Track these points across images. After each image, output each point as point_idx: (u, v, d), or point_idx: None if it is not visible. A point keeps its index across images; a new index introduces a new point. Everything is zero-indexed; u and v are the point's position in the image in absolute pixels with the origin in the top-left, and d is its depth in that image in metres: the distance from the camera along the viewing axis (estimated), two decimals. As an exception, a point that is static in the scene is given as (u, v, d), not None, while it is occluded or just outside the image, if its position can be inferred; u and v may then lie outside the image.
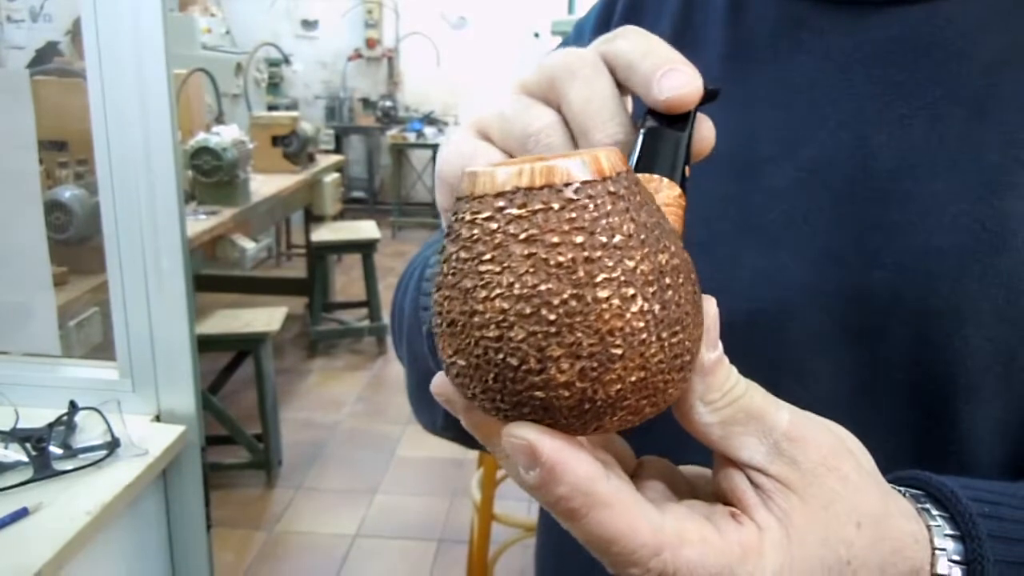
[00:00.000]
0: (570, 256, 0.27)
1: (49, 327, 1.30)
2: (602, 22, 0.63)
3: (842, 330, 0.50)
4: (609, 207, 0.28)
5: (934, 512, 0.37)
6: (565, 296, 0.27)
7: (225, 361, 3.28)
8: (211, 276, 3.92)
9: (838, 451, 0.33)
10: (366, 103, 6.66)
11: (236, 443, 3.01)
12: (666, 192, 0.33)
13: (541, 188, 0.28)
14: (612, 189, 0.28)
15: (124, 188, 1.17)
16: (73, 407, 1.18)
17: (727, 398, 0.32)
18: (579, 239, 0.27)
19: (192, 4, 5.08)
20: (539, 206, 0.27)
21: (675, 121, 0.34)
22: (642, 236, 0.28)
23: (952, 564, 0.35)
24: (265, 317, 3.06)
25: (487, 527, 2.19)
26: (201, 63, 3.63)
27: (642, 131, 0.34)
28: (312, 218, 4.32)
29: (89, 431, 1.17)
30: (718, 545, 0.31)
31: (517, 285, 0.27)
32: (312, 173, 3.98)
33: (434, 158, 6.41)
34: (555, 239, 0.27)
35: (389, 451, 3.30)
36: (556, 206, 0.28)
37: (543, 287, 0.27)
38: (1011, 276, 0.46)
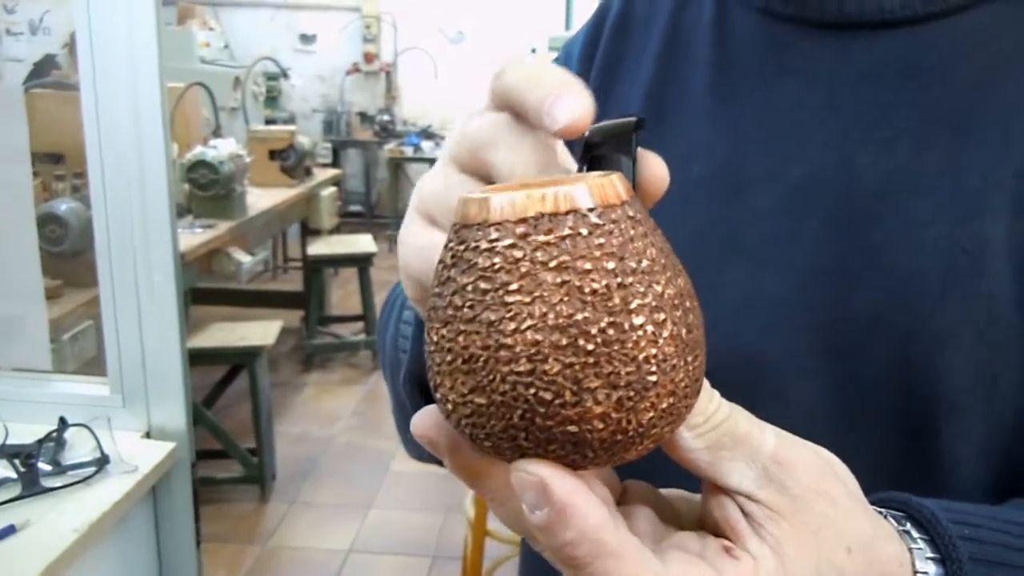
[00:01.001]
0: (604, 283, 0.26)
1: (40, 342, 1.29)
2: (590, 43, 0.64)
3: (824, 350, 0.50)
4: (632, 232, 0.28)
5: (915, 534, 0.37)
6: (603, 324, 0.26)
7: (220, 374, 3.27)
8: (207, 289, 3.92)
9: (826, 475, 0.33)
10: (364, 117, 6.68)
11: (230, 457, 3.00)
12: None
13: (566, 214, 0.27)
14: (631, 213, 0.28)
15: (117, 202, 1.17)
16: (63, 423, 1.17)
17: (711, 422, 0.32)
18: (611, 265, 0.27)
19: (191, 18, 5.10)
20: (567, 232, 0.26)
21: (617, 147, 0.34)
22: (663, 260, 0.28)
23: None
24: (260, 330, 3.05)
25: (481, 543, 2.18)
26: (199, 77, 3.63)
27: (585, 164, 0.34)
28: (308, 232, 4.32)
29: (79, 447, 1.17)
30: None
31: (551, 315, 0.26)
32: (309, 187, 3.99)
33: (431, 172, 6.46)
34: (587, 265, 0.26)
35: (384, 466, 3.28)
36: (584, 231, 0.27)
37: (579, 316, 0.26)
38: (991, 299, 0.47)
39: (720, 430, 0.32)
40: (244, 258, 2.98)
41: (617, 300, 0.26)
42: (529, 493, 0.28)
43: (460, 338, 0.27)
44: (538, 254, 0.26)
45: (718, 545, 0.32)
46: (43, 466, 1.11)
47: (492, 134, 0.34)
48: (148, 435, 1.23)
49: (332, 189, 4.27)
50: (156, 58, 1.13)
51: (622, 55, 0.62)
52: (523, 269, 0.26)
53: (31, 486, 1.08)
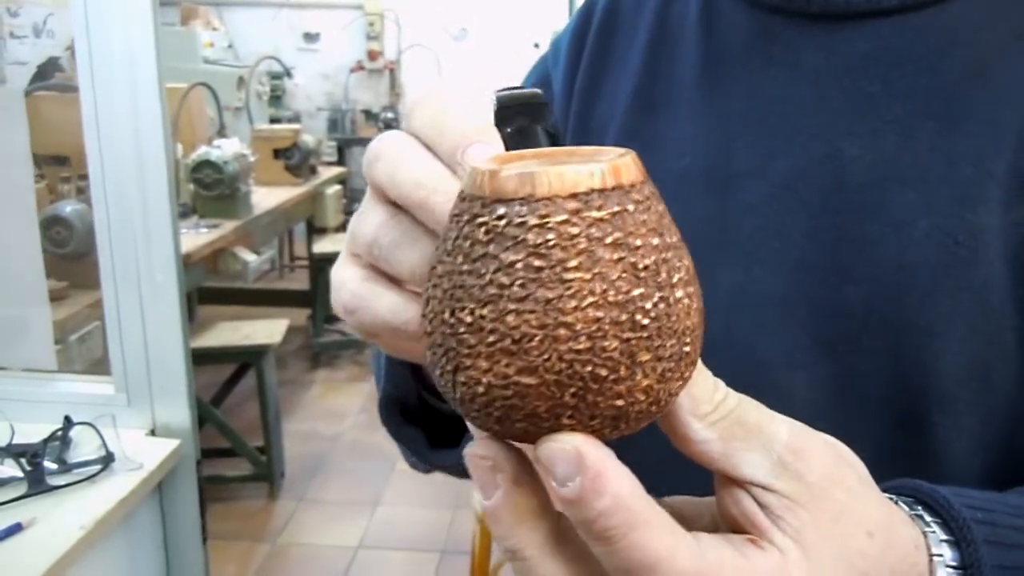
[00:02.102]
0: (652, 259, 0.27)
1: (45, 342, 1.30)
2: (577, 38, 0.64)
3: (817, 343, 0.50)
4: (661, 207, 0.28)
5: (927, 518, 0.36)
6: (655, 299, 0.27)
7: (227, 373, 3.28)
8: (213, 289, 3.93)
9: (839, 462, 0.33)
10: (368, 115, 6.68)
11: (238, 455, 3.01)
12: None
13: (613, 189, 0.27)
14: (653, 189, 0.28)
15: (118, 202, 1.18)
16: (68, 422, 1.19)
17: (720, 411, 0.31)
18: (655, 241, 0.27)
19: (194, 18, 5.11)
20: (616, 208, 0.26)
21: (533, 119, 0.34)
22: (679, 235, 0.29)
23: (950, 570, 0.35)
24: (267, 329, 3.06)
25: (488, 538, 2.18)
26: (203, 77, 3.64)
27: (508, 133, 0.34)
28: (314, 230, 4.33)
29: (84, 446, 1.18)
30: (754, 573, 0.30)
31: (611, 292, 0.26)
32: (314, 185, 3.99)
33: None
34: (638, 242, 0.27)
35: (391, 462, 3.29)
36: (630, 208, 0.27)
37: (635, 292, 0.26)
38: (984, 290, 0.46)
39: (730, 419, 0.31)
40: (250, 257, 2.99)
41: (664, 275, 0.27)
42: (561, 464, 0.27)
43: (509, 317, 0.26)
44: (593, 230, 0.26)
45: (742, 539, 0.31)
46: (49, 464, 1.12)
47: (386, 240, 0.34)
48: (153, 433, 1.25)
49: (337, 187, 4.28)
50: (154, 59, 1.13)
51: (610, 50, 0.62)
52: (580, 246, 0.26)
53: (37, 484, 1.09)
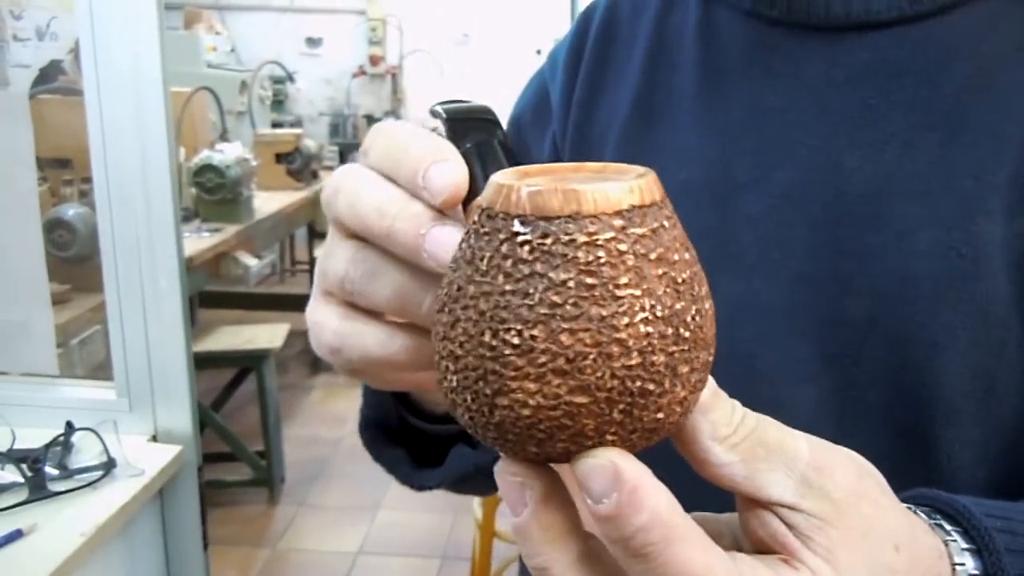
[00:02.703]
0: (687, 272, 0.27)
1: (47, 347, 1.30)
2: (575, 49, 0.63)
3: (819, 356, 0.49)
4: (680, 223, 0.29)
5: (947, 527, 0.36)
6: (693, 312, 0.27)
7: (228, 378, 3.28)
8: (214, 293, 3.93)
9: (862, 475, 0.32)
10: (370, 120, 6.68)
11: (238, 460, 3.01)
12: None
13: (649, 206, 0.27)
14: (672, 207, 0.29)
15: (122, 206, 1.18)
16: (70, 427, 1.18)
17: (740, 432, 0.30)
18: (687, 255, 0.28)
19: (197, 22, 5.12)
20: (655, 224, 0.27)
21: (487, 134, 0.35)
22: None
23: None
24: (268, 333, 3.06)
25: (489, 544, 2.18)
26: (206, 81, 3.64)
27: (470, 149, 0.34)
28: (316, 234, 4.33)
29: (86, 451, 1.17)
30: None
31: (659, 307, 0.26)
32: (315, 190, 3.99)
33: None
34: (675, 257, 0.27)
35: (392, 468, 3.28)
36: (666, 224, 0.27)
37: (678, 306, 0.27)
38: (987, 302, 0.46)
39: (751, 440, 0.30)
40: (251, 261, 2.99)
41: (696, 288, 0.28)
42: (598, 480, 0.27)
43: (563, 336, 0.26)
44: (638, 247, 0.26)
45: (775, 558, 0.31)
46: (50, 470, 1.11)
47: (357, 274, 0.34)
48: (155, 438, 1.24)
49: (339, 192, 4.27)
50: (159, 62, 1.13)
51: (608, 61, 0.61)
52: (629, 262, 0.26)
53: (38, 490, 1.08)
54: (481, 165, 0.34)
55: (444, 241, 0.31)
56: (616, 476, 0.26)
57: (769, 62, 0.54)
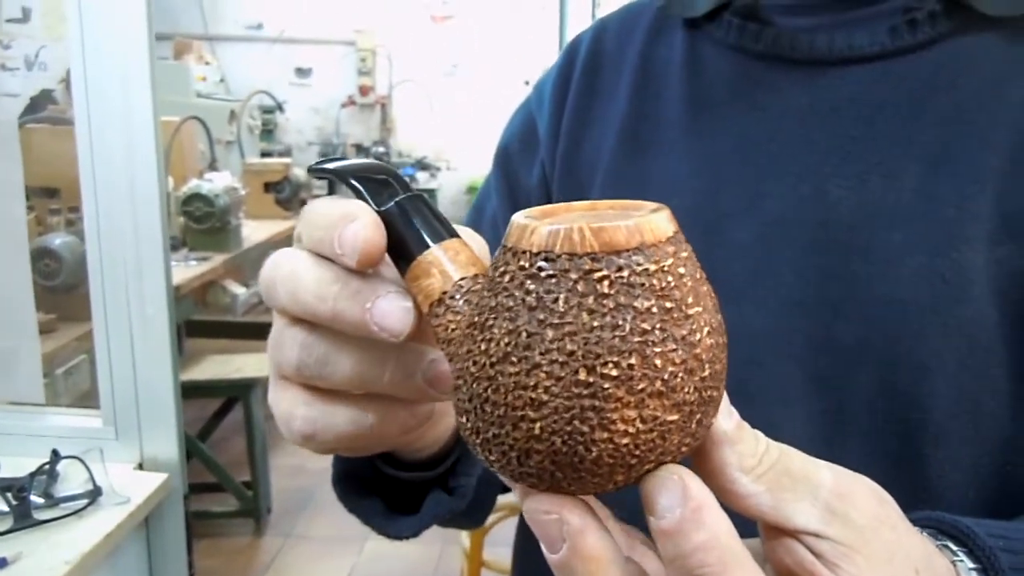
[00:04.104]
0: (708, 287, 0.29)
1: (34, 375, 1.30)
2: (562, 80, 0.65)
3: (808, 380, 0.50)
4: None
5: (953, 548, 0.37)
6: (722, 321, 0.30)
7: (214, 408, 3.26)
8: (202, 322, 3.91)
9: (881, 501, 0.33)
10: (359, 149, 6.72)
11: (225, 490, 2.98)
12: (469, 250, 0.33)
13: (676, 234, 0.29)
14: None
15: (110, 235, 1.18)
16: (55, 456, 1.17)
17: (765, 462, 0.31)
18: (705, 274, 0.30)
19: (187, 52, 5.14)
20: (688, 248, 0.29)
21: (394, 189, 0.34)
22: None
23: None
24: (256, 362, 3.04)
25: (477, 573, 2.16)
26: (195, 111, 3.66)
27: (392, 208, 0.33)
28: (304, 263, 4.32)
29: (71, 480, 1.17)
30: None
31: (713, 320, 0.29)
32: (304, 219, 4.00)
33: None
34: (703, 275, 0.29)
35: (380, 497, 3.26)
36: (691, 250, 0.29)
37: (719, 317, 0.29)
38: (972, 326, 0.47)
39: (776, 470, 0.31)
40: (239, 290, 2.99)
41: (715, 300, 0.30)
42: (665, 494, 0.27)
43: (657, 361, 0.27)
44: (689, 269, 0.28)
45: None
46: (35, 499, 1.11)
47: (312, 359, 0.34)
48: (141, 466, 1.23)
49: (327, 221, 4.28)
50: (149, 92, 1.14)
51: (595, 91, 0.63)
52: (688, 284, 0.28)
53: (23, 519, 1.07)
54: (421, 219, 0.33)
55: (391, 311, 0.31)
56: (684, 492, 0.27)
57: (754, 95, 0.55)
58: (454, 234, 0.33)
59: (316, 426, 0.35)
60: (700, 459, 0.31)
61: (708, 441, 0.30)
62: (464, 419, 0.29)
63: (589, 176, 0.61)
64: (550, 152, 0.64)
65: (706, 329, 0.28)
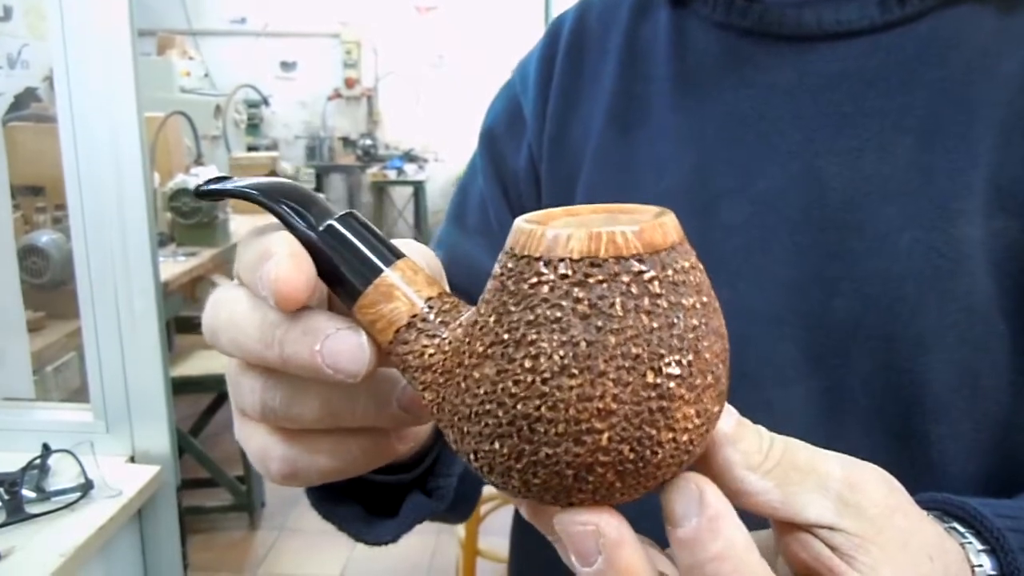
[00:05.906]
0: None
1: (23, 371, 1.30)
2: (546, 61, 0.64)
3: (805, 358, 0.50)
4: None
5: (961, 530, 0.37)
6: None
7: (206, 403, 3.26)
8: (191, 318, 3.90)
9: (892, 488, 0.32)
10: (346, 142, 6.70)
11: (218, 485, 2.98)
12: (425, 272, 0.31)
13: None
14: None
15: (97, 231, 1.18)
16: (46, 450, 1.18)
17: (772, 458, 0.30)
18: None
19: (171, 47, 5.12)
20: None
21: (319, 209, 0.32)
22: None
23: None
24: (246, 357, 3.04)
25: (472, 563, 2.18)
26: (180, 106, 3.64)
27: (325, 231, 0.30)
28: (293, 257, 4.31)
29: (63, 474, 1.17)
30: None
31: (720, 308, 0.29)
32: (292, 212, 3.99)
33: (415, 195, 6.39)
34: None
35: (373, 489, 3.27)
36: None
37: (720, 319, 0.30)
38: (970, 300, 0.47)
39: (783, 464, 0.30)
40: (228, 285, 2.98)
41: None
42: (682, 502, 0.27)
43: (707, 355, 0.27)
44: (701, 264, 0.29)
45: None
46: (27, 493, 1.11)
47: (274, 402, 0.32)
48: (132, 459, 1.24)
49: (315, 214, 4.27)
50: (133, 88, 1.14)
51: (581, 72, 0.62)
52: (706, 277, 0.29)
53: (15, 513, 1.08)
54: (362, 240, 0.30)
55: (343, 349, 0.29)
56: (701, 500, 0.27)
57: (742, 72, 0.54)
58: (399, 253, 0.31)
59: (296, 467, 0.33)
60: (704, 462, 0.30)
61: (710, 444, 0.30)
62: (487, 447, 0.27)
63: (578, 157, 0.60)
64: (537, 134, 0.63)
65: (721, 318, 0.28)
